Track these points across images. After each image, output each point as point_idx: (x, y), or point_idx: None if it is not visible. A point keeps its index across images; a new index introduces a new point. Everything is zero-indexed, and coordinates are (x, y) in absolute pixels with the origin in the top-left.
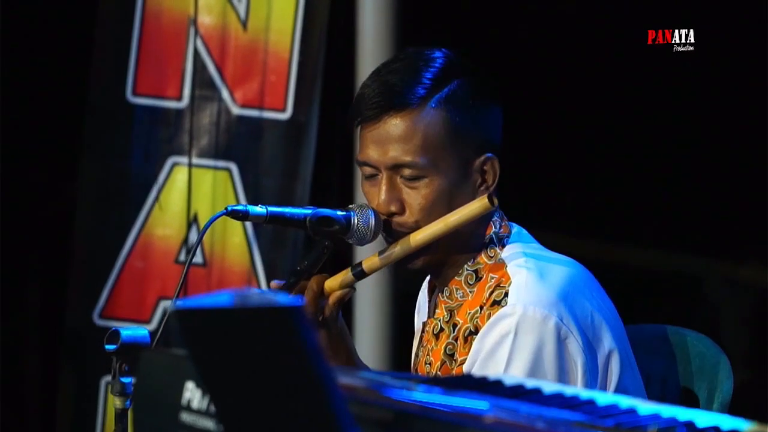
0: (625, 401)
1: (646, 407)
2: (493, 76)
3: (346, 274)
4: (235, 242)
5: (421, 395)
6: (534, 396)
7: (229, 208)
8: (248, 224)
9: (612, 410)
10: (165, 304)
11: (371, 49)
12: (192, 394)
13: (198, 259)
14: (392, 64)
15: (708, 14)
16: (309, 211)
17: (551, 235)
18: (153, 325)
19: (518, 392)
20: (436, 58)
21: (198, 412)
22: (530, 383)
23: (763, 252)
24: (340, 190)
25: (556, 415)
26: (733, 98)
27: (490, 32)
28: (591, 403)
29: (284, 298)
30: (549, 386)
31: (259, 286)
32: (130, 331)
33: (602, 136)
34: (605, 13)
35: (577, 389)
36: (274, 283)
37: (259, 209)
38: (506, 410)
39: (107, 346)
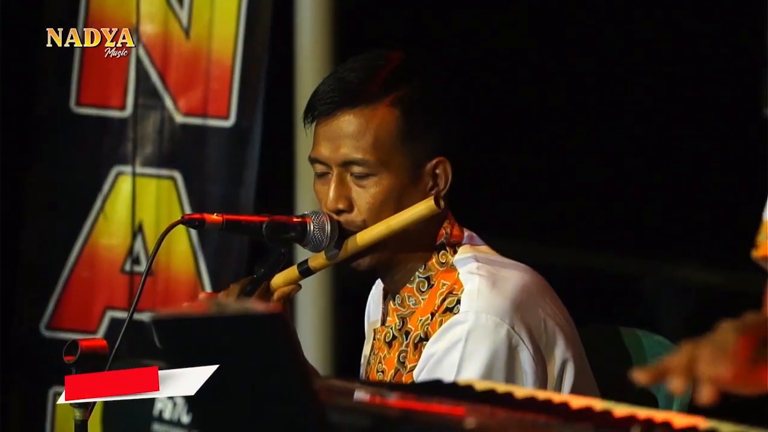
0: (599, 404)
1: (621, 409)
2: (454, 81)
3: (291, 272)
4: (180, 250)
5: (397, 401)
6: (506, 400)
7: (185, 217)
8: (193, 232)
9: (587, 412)
10: (112, 314)
11: (309, 56)
12: (164, 404)
13: (143, 268)
14: (350, 63)
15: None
16: (265, 219)
17: (487, 238)
18: (100, 335)
19: (490, 396)
20: (394, 59)
21: (170, 422)
22: (501, 388)
23: (702, 252)
24: (284, 197)
25: (534, 419)
26: (668, 101)
27: (430, 39)
28: (565, 405)
29: (263, 306)
30: (521, 390)
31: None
32: (89, 341)
33: (540, 140)
34: (560, 15)
35: (550, 393)
36: (203, 294)
37: (216, 217)
38: (484, 414)
39: (66, 357)
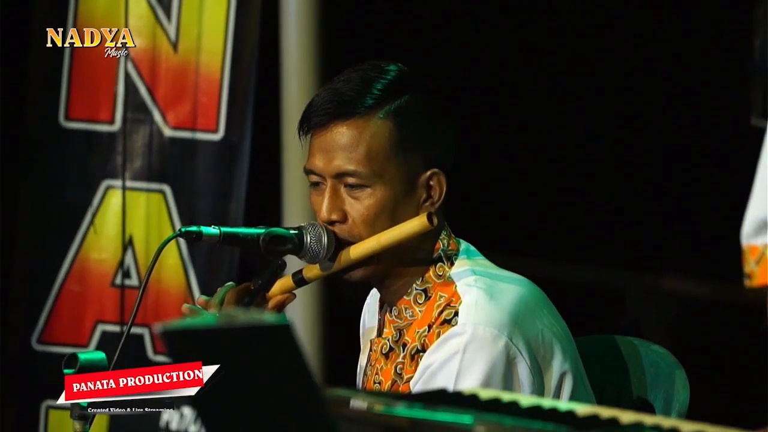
0: (605, 411)
1: (627, 416)
2: (448, 94)
3: (286, 281)
4: (170, 264)
5: (405, 411)
6: (512, 409)
7: (183, 230)
8: (183, 246)
9: (592, 421)
10: (103, 328)
11: (296, 70)
12: (170, 416)
13: (134, 281)
14: (346, 74)
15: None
16: (262, 231)
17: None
18: (91, 349)
19: (496, 405)
20: (389, 71)
21: None
22: (506, 396)
23: (684, 263)
24: (273, 210)
25: (542, 427)
26: (652, 113)
27: (418, 56)
28: (571, 414)
29: (272, 317)
30: (526, 399)
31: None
32: (87, 354)
33: (528, 153)
34: (553, 32)
35: (555, 401)
36: (200, 299)
37: (213, 230)
38: (492, 423)
39: (65, 370)
